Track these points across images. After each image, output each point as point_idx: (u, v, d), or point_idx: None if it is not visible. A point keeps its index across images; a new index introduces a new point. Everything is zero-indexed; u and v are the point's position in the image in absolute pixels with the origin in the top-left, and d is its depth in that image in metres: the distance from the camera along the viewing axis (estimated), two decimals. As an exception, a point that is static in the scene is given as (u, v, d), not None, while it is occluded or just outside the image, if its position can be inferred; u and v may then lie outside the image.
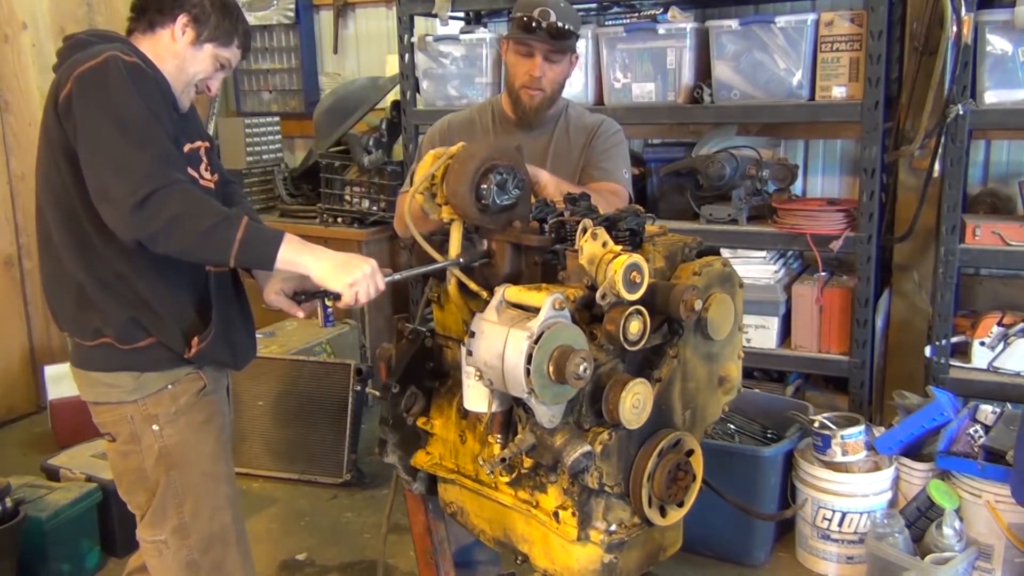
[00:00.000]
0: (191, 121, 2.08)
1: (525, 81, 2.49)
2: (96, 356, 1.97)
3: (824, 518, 2.96)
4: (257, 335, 4.06)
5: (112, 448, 2.06)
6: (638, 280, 1.57)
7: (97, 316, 1.93)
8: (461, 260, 1.76)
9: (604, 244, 1.59)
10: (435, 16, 4.07)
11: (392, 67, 4.55)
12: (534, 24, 2.41)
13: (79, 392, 2.06)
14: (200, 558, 2.03)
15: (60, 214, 1.91)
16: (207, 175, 2.02)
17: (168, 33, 1.97)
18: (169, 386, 1.98)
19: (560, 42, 2.45)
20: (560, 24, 2.42)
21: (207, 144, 2.08)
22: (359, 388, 3.70)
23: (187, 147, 1.97)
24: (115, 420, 2.00)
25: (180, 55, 1.98)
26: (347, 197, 4.57)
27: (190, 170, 1.94)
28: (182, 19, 1.96)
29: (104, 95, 1.77)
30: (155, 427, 1.98)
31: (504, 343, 1.52)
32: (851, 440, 2.92)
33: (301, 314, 2.09)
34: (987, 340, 3.23)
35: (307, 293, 2.02)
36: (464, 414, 1.77)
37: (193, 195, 1.78)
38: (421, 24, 4.35)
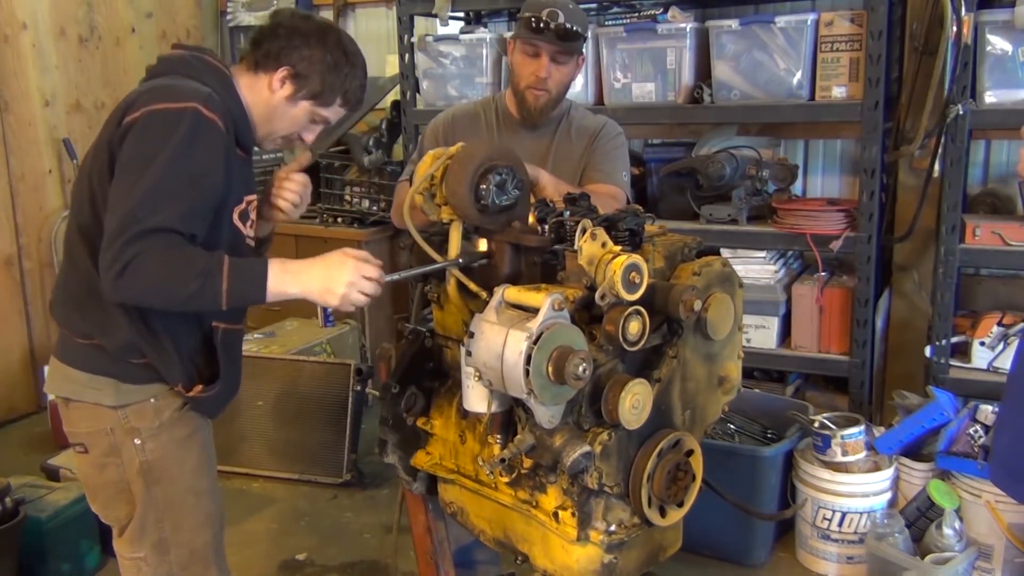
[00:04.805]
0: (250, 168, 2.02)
1: (531, 82, 2.48)
2: (81, 354, 1.90)
3: (824, 518, 2.96)
4: (257, 335, 4.11)
5: (85, 460, 1.97)
6: (637, 280, 1.57)
7: (96, 320, 1.85)
8: (460, 260, 1.77)
9: (603, 244, 1.59)
10: (435, 16, 4.07)
11: (392, 67, 4.56)
12: (542, 25, 2.41)
13: (50, 388, 1.97)
14: (180, 573, 1.99)
15: (94, 217, 1.84)
16: (251, 232, 1.96)
17: (267, 81, 1.90)
18: (152, 399, 1.91)
19: (568, 44, 2.45)
20: (568, 26, 2.41)
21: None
22: (359, 388, 3.70)
23: (246, 199, 1.92)
24: (91, 431, 1.92)
25: (272, 106, 1.92)
26: (347, 197, 4.57)
27: (239, 224, 1.90)
28: (282, 72, 1.89)
29: (161, 143, 1.72)
30: (137, 441, 1.90)
31: (503, 344, 1.52)
32: (851, 440, 2.92)
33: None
34: (987, 340, 3.23)
35: None
36: (464, 414, 1.77)
37: (172, 256, 1.69)
38: (421, 24, 4.35)
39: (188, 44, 1.98)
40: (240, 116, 1.89)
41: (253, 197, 1.97)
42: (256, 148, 2.01)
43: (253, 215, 1.97)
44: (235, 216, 1.90)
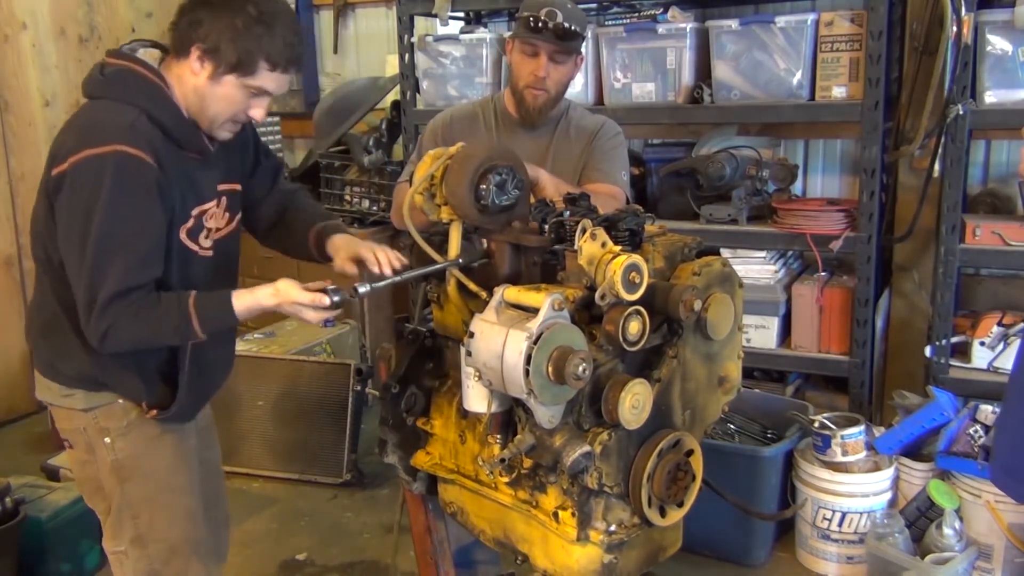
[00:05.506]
0: (217, 164, 1.93)
1: (529, 81, 2.49)
2: (51, 371, 1.99)
3: (824, 518, 2.96)
4: (257, 335, 4.10)
5: (71, 455, 2.06)
6: (637, 280, 1.57)
7: (57, 347, 1.93)
8: (460, 260, 1.77)
9: (603, 244, 1.59)
10: (435, 16, 4.06)
11: (392, 67, 4.55)
12: (540, 24, 2.41)
13: (38, 393, 2.06)
14: (161, 568, 2.02)
15: (45, 254, 1.89)
16: (206, 243, 1.93)
17: (188, 66, 1.79)
18: (120, 400, 1.95)
19: (566, 43, 2.45)
20: (567, 25, 2.41)
21: (235, 186, 1.99)
22: (359, 388, 3.70)
23: (195, 213, 1.88)
24: (71, 428, 2.00)
25: (200, 92, 1.80)
26: (347, 197, 4.57)
27: (188, 242, 1.88)
28: (195, 52, 1.77)
29: (91, 199, 1.72)
30: (107, 440, 1.96)
31: (503, 344, 1.52)
32: (851, 440, 2.92)
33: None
34: (987, 340, 3.23)
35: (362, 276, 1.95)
36: (464, 414, 1.77)
37: (141, 318, 1.77)
38: (421, 24, 4.35)
39: (122, 48, 1.88)
40: (177, 123, 1.82)
41: (208, 206, 1.91)
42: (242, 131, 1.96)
43: (209, 223, 1.93)
44: (183, 235, 1.88)
